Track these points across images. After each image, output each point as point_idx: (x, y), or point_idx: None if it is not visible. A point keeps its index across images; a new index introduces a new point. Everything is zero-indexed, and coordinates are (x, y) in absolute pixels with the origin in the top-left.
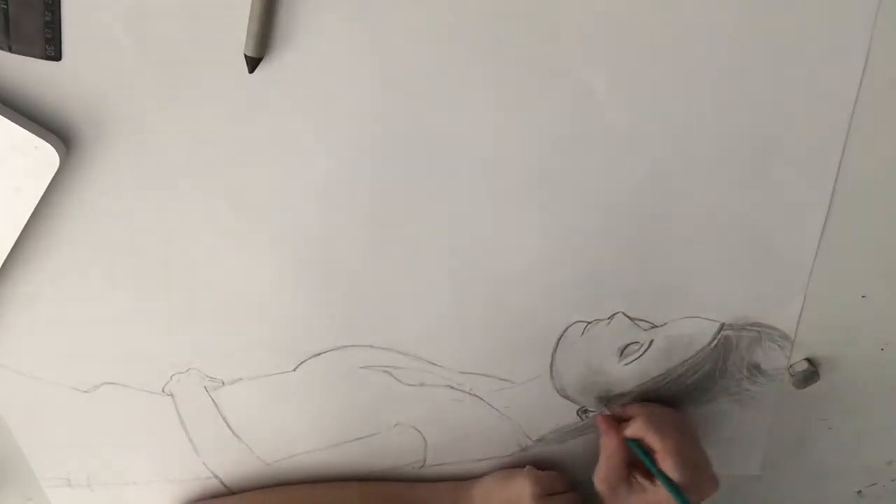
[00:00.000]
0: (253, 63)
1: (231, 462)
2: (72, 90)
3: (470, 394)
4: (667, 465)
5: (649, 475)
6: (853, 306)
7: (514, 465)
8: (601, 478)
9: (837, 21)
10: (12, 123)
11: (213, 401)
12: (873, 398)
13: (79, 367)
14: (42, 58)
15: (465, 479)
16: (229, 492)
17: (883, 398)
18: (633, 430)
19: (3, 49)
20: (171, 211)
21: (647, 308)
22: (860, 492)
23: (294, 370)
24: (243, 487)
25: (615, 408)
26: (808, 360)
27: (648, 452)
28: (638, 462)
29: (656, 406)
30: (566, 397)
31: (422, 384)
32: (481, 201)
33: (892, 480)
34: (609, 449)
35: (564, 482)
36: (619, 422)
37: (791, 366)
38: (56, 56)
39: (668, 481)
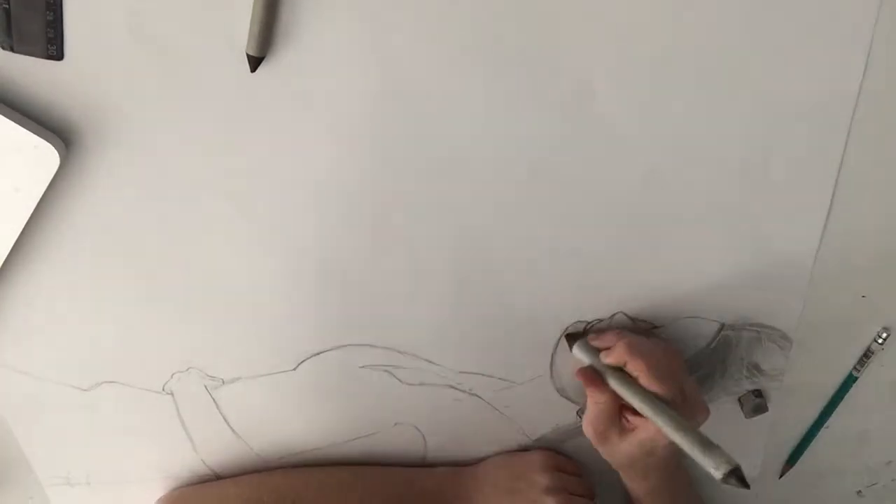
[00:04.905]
0: (255, 62)
1: (231, 460)
2: (73, 90)
3: (470, 394)
4: (652, 385)
5: (638, 413)
6: (853, 306)
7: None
8: (592, 426)
9: (838, 21)
10: (12, 123)
11: (213, 399)
12: (873, 398)
13: (79, 365)
14: (44, 57)
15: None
16: None
17: (883, 398)
18: (615, 357)
19: (4, 48)
20: (171, 210)
21: (648, 308)
22: (860, 492)
23: (294, 370)
24: None
25: (593, 338)
26: (756, 391)
27: (632, 379)
28: (626, 405)
29: (634, 334)
30: (566, 397)
31: (422, 384)
32: (481, 201)
33: (893, 480)
34: (594, 397)
35: (574, 466)
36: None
37: (740, 397)
38: (58, 56)
39: (655, 400)
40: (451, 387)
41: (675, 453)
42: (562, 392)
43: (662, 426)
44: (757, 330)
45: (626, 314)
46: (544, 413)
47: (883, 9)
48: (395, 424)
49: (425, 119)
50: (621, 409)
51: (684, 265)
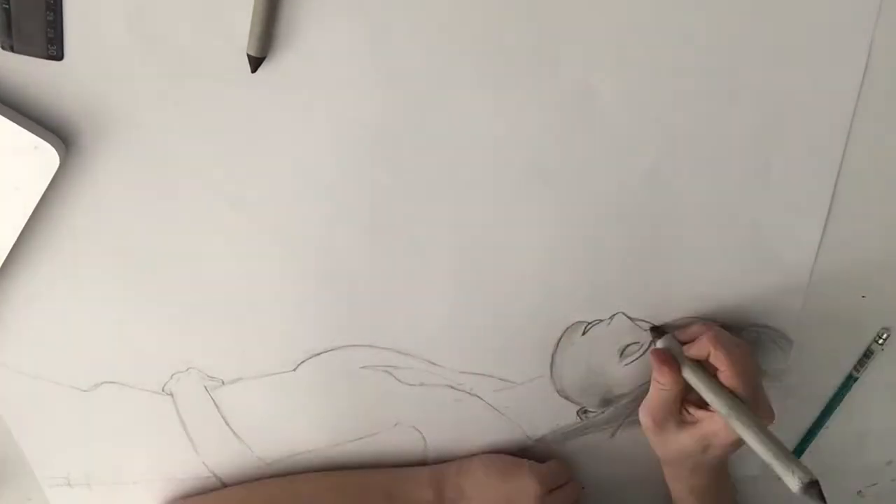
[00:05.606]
0: (255, 63)
1: (231, 461)
2: (73, 90)
3: (470, 394)
4: (733, 381)
5: (703, 405)
6: (853, 306)
7: (507, 452)
8: (650, 413)
9: (839, 21)
10: (12, 123)
11: (213, 400)
12: (873, 398)
13: (79, 365)
14: (44, 57)
15: (447, 462)
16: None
17: (883, 398)
18: (697, 348)
19: (4, 48)
20: (171, 210)
21: (648, 308)
22: (860, 492)
23: (294, 370)
24: None
25: (672, 329)
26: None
27: (710, 374)
28: (689, 396)
29: (720, 328)
30: (566, 398)
31: (422, 384)
32: (482, 201)
33: (892, 480)
34: (662, 383)
35: (564, 472)
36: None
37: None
38: (58, 56)
39: (732, 398)
40: (451, 387)
41: (728, 452)
42: (562, 392)
43: (738, 426)
44: (757, 330)
45: (626, 314)
46: (544, 413)
47: (883, 9)
48: (395, 424)
49: (425, 119)
50: (683, 401)
51: (684, 265)
